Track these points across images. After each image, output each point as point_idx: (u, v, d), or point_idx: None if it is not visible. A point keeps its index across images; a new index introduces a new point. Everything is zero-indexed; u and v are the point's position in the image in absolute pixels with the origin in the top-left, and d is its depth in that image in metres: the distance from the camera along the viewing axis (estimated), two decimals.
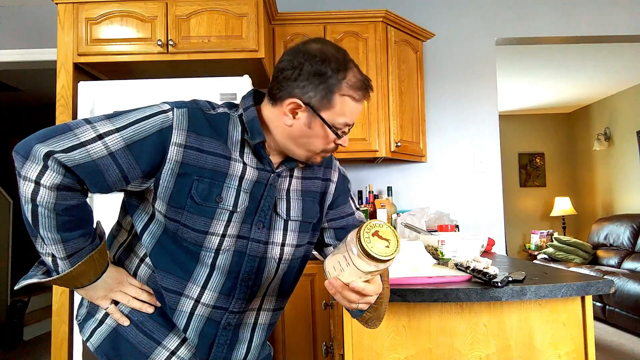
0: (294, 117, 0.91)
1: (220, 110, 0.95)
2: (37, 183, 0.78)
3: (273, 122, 0.94)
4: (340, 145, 0.95)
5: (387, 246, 0.72)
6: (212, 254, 0.91)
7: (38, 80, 4.62)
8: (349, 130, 0.95)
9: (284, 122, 0.92)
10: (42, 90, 4.95)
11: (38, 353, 3.71)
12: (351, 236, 0.74)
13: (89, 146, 0.80)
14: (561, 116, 6.69)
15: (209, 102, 0.96)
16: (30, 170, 0.78)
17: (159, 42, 2.19)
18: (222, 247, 0.91)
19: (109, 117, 0.86)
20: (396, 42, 2.68)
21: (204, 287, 0.92)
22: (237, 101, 2.07)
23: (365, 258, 0.71)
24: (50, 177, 0.78)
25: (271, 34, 2.58)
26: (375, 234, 0.72)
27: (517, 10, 3.09)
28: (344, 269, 0.75)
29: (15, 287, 0.89)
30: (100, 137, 0.82)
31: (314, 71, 0.88)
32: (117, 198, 1.04)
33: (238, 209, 0.91)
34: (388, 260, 0.71)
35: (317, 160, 0.98)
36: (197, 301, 0.92)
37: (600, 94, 5.74)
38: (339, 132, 0.92)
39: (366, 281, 0.77)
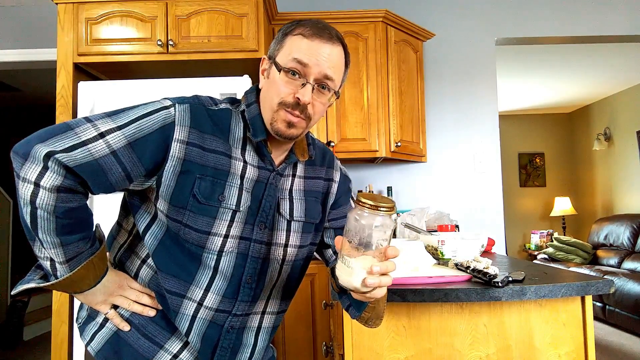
0: (265, 77, 0.93)
1: (223, 105, 0.93)
2: (37, 185, 0.75)
3: None
4: (299, 99, 0.86)
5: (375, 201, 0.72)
6: (215, 256, 0.89)
7: (38, 80, 4.62)
8: (312, 81, 0.86)
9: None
10: (42, 90, 4.95)
11: (38, 353, 3.71)
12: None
13: (90, 145, 0.78)
14: (561, 116, 6.69)
15: (211, 98, 0.94)
16: (30, 171, 0.75)
17: (159, 42, 2.19)
18: (225, 249, 0.89)
19: (110, 114, 0.84)
20: (396, 42, 2.68)
21: (206, 290, 0.90)
22: None
23: (369, 211, 0.70)
24: (51, 179, 0.75)
25: (271, 34, 2.58)
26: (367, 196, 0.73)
27: (517, 10, 3.09)
28: (349, 261, 0.72)
29: (13, 292, 0.86)
30: (101, 135, 0.79)
31: (282, 30, 0.92)
32: (116, 198, 1.03)
33: (241, 208, 0.89)
34: (385, 210, 0.70)
35: (281, 128, 0.88)
36: (200, 304, 0.90)
37: (600, 94, 5.74)
38: (285, 68, 0.86)
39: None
